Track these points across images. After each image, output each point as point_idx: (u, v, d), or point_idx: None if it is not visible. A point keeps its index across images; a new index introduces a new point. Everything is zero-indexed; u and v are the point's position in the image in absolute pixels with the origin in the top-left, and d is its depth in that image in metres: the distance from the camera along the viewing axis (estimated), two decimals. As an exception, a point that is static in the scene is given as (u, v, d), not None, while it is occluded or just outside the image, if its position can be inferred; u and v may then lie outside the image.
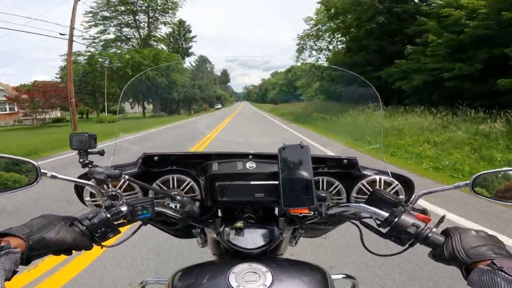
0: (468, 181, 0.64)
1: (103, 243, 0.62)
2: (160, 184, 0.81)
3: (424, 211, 0.65)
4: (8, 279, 0.45)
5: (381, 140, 0.89)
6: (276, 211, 0.83)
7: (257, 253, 0.70)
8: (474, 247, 0.53)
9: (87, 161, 0.67)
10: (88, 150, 0.68)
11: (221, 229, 0.74)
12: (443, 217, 0.62)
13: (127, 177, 0.68)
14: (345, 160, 0.80)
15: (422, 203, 3.21)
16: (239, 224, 0.72)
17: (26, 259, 0.51)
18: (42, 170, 0.59)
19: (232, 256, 0.73)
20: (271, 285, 0.56)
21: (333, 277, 0.72)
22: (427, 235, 0.59)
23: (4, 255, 0.45)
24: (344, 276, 0.93)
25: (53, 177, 0.60)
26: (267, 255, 0.73)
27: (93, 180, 0.64)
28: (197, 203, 0.81)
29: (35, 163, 0.59)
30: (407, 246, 0.64)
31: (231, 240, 0.71)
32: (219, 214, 0.81)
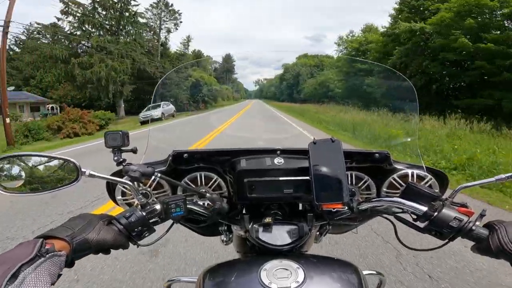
0: (510, 174, 0.61)
1: (139, 242, 0.63)
2: (188, 182, 0.82)
3: (465, 205, 0.63)
4: (53, 283, 0.44)
5: (416, 132, 0.86)
6: (301, 206, 0.82)
7: (286, 249, 0.69)
8: None
9: (121, 159, 0.68)
10: (122, 148, 0.69)
11: (249, 226, 0.74)
12: (484, 211, 0.60)
13: (159, 174, 0.69)
14: (377, 154, 0.78)
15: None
16: (268, 220, 0.71)
17: (71, 262, 0.51)
18: (82, 169, 0.60)
19: (260, 253, 0.72)
20: (303, 281, 0.55)
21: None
22: (471, 229, 0.58)
23: (50, 259, 0.44)
24: (371, 272, 0.91)
25: (91, 175, 0.61)
26: (294, 252, 0.73)
27: (127, 177, 0.66)
28: (225, 200, 0.82)
29: (76, 162, 0.60)
30: (447, 240, 0.62)
31: (260, 237, 0.71)
32: (244, 211, 0.81)
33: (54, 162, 0.62)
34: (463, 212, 0.60)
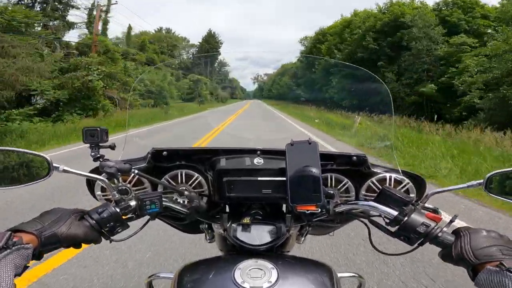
0: (481, 180, 0.62)
1: (111, 237, 0.63)
2: (169, 179, 0.82)
3: (435, 210, 0.64)
4: (18, 274, 0.45)
5: (392, 137, 0.87)
6: (284, 207, 0.83)
7: (264, 249, 0.70)
8: (482, 248, 0.52)
9: (98, 155, 0.69)
10: (100, 144, 0.69)
11: (228, 225, 0.75)
12: (455, 217, 0.61)
13: (136, 171, 0.69)
14: (355, 157, 0.79)
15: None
16: (246, 220, 0.72)
17: (38, 254, 0.52)
18: (54, 164, 0.60)
19: (239, 252, 0.73)
20: (276, 282, 0.56)
21: (340, 275, 0.72)
22: (437, 235, 0.58)
23: (16, 251, 0.45)
24: (351, 274, 0.93)
25: (65, 171, 0.61)
26: (274, 252, 0.73)
27: (104, 174, 0.66)
28: (205, 199, 0.82)
29: (47, 157, 0.60)
30: (416, 245, 0.63)
31: (238, 236, 0.72)
32: (227, 210, 0.82)
33: (27, 158, 0.62)
34: (431, 217, 0.61)
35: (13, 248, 0.45)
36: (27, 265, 0.48)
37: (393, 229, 0.65)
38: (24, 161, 0.62)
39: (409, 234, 0.61)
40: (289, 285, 0.57)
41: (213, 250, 0.91)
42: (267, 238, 0.71)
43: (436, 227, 0.59)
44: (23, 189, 0.65)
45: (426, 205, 0.66)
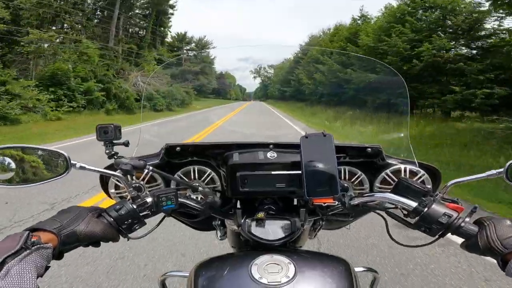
0: (501, 169, 0.62)
1: (129, 235, 0.62)
2: (182, 175, 0.82)
3: (455, 201, 0.63)
4: (40, 275, 0.44)
5: (407, 127, 0.86)
6: (296, 202, 0.82)
7: (278, 244, 0.69)
8: (510, 237, 0.52)
9: (112, 152, 0.69)
10: (114, 141, 0.69)
11: (242, 221, 0.74)
12: (475, 207, 0.60)
13: (151, 168, 0.69)
14: (369, 149, 0.78)
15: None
16: (260, 215, 0.72)
17: (59, 254, 0.51)
18: (71, 161, 0.60)
19: (253, 247, 0.73)
20: (293, 276, 0.55)
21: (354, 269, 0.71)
22: (460, 225, 0.57)
23: (36, 251, 0.44)
24: (365, 269, 0.92)
25: (81, 168, 0.61)
26: (288, 247, 0.73)
27: (119, 171, 0.66)
28: (218, 194, 0.82)
29: (66, 154, 0.60)
30: (437, 236, 0.62)
31: (253, 232, 0.71)
32: (238, 205, 0.81)
33: (44, 154, 0.62)
34: (452, 208, 0.60)
35: (33, 248, 0.44)
36: (48, 265, 0.47)
37: (412, 221, 0.64)
38: (43, 158, 0.62)
39: (430, 225, 0.60)
40: (307, 279, 0.56)
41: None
42: (282, 233, 0.71)
43: (458, 218, 0.58)
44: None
45: (445, 196, 0.65)
